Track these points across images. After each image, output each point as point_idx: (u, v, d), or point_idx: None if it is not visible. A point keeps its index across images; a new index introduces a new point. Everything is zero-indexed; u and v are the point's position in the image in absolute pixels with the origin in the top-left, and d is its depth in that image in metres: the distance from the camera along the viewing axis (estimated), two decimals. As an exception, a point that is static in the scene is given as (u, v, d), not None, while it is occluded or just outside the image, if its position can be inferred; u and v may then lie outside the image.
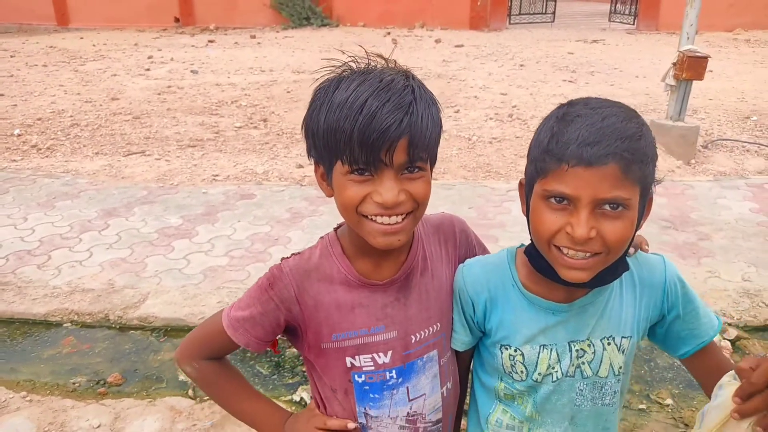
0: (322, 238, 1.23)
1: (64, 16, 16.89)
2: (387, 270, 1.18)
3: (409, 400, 1.21)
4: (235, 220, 4.50)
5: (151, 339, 3.23)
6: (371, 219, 1.05)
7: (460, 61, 10.81)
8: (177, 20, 16.33)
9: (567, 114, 1.01)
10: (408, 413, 1.21)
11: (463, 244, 1.30)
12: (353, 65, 1.07)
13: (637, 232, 1.18)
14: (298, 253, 1.21)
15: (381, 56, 1.10)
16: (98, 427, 2.56)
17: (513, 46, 12.48)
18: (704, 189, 5.06)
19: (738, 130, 6.62)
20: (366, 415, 1.21)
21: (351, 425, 1.20)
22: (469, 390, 1.37)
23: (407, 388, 1.20)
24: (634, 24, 15.23)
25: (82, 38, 14.18)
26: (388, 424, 1.21)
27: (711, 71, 9.09)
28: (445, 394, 1.26)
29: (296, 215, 4.54)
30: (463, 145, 6.13)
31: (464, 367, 1.33)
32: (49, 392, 2.81)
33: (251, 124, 7.05)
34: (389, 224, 1.05)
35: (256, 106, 7.80)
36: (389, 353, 1.18)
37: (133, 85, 9.10)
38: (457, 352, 1.28)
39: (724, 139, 6.25)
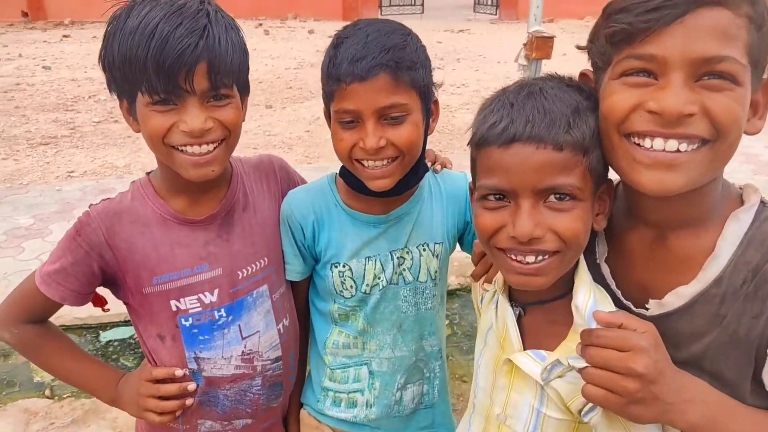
0: (133, 182, 1.19)
1: None
2: (205, 206, 1.16)
3: (243, 338, 1.20)
4: (96, 215, 4.24)
5: (0, 344, 2.97)
6: (181, 150, 1.03)
7: (333, 51, 10.89)
8: (25, 14, 14.97)
9: (338, 38, 1.08)
10: (243, 352, 1.20)
11: (285, 179, 1.32)
12: None
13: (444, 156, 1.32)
14: (108, 198, 1.16)
15: None
16: (-62, 440, 2.34)
17: (384, 36, 12.76)
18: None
19: (586, 106, 7.25)
20: (197, 359, 1.18)
21: (179, 372, 1.17)
22: None
23: (239, 326, 1.19)
24: (496, 14, 16.11)
25: None
26: (223, 365, 1.19)
27: (565, 54, 9.88)
28: (281, 331, 1.26)
29: (163, 206, 4.39)
30: (336, 130, 6.21)
31: (302, 301, 1.35)
32: None
33: (111, 118, 6.65)
34: (200, 154, 1.04)
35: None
36: (216, 291, 1.16)
37: (-26, 83, 8.25)
38: (293, 286, 1.31)
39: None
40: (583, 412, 0.88)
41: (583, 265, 0.94)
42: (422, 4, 17.02)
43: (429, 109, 1.13)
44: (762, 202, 0.88)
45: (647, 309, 0.91)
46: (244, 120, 1.13)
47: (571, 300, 0.91)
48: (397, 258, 1.22)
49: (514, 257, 0.88)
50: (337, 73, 1.03)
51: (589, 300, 0.89)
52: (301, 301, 1.35)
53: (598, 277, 0.97)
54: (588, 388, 0.80)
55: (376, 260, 1.21)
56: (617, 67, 0.84)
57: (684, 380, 0.83)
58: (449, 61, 10.07)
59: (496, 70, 9.17)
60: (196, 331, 1.17)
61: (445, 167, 1.31)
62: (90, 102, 7.28)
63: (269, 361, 1.24)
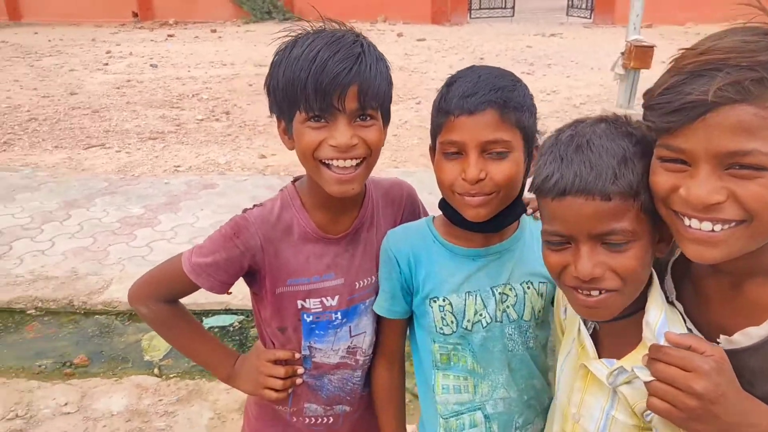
0: (281, 190, 1.31)
1: (15, 11, 16.45)
2: (341, 224, 1.29)
3: (351, 336, 1.34)
4: (198, 208, 4.55)
5: (116, 323, 3.28)
6: (328, 165, 1.15)
7: (421, 55, 10.97)
8: (135, 15, 16.07)
9: (452, 78, 1.16)
10: (349, 346, 1.34)
11: (408, 207, 1.41)
12: (309, 28, 1.18)
13: None
14: (260, 204, 1.29)
15: (335, 21, 1.21)
16: (65, 404, 2.62)
17: (474, 40, 12.70)
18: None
19: (684, 118, 6.93)
20: (310, 347, 1.33)
21: (297, 355, 1.32)
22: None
23: (349, 327, 1.33)
24: (590, 18, 15.62)
25: (36, 33, 13.86)
26: (331, 355, 1.34)
27: (663, 62, 9.46)
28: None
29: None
30: (424, 135, 6.28)
31: (392, 342, 1.37)
32: (14, 375, 2.84)
33: (213, 116, 7.06)
34: (344, 170, 1.15)
35: (217, 99, 7.80)
36: (336, 297, 1.29)
37: (91, 79, 8.98)
38: (387, 324, 1.34)
39: (671, 126, 6.53)
40: (645, 413, 0.95)
41: (656, 285, 1.00)
42: (513, 7, 16.77)
43: (531, 152, 1.18)
44: None
45: (718, 343, 0.95)
46: (383, 145, 1.23)
47: (643, 316, 0.98)
48: (500, 293, 1.23)
49: (580, 293, 0.97)
50: (447, 107, 1.11)
51: (659, 318, 0.96)
52: (391, 346, 1.37)
53: None
54: (652, 399, 0.87)
55: (476, 295, 1.23)
56: (657, 150, 0.90)
57: (751, 405, 0.86)
58: (539, 66, 9.90)
59: (590, 77, 8.93)
60: (314, 326, 1.31)
61: None
62: (194, 100, 7.76)
63: (368, 357, 1.38)
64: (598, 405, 1.04)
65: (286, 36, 1.18)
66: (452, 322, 1.23)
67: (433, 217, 1.31)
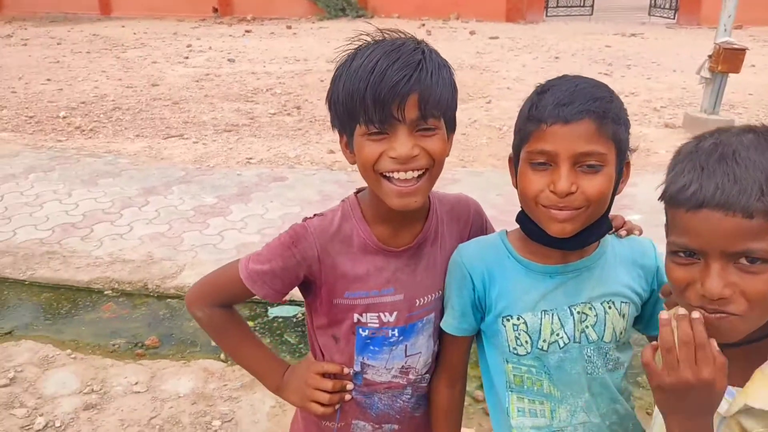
0: (343, 201, 1.28)
1: (106, 5, 17.40)
2: (403, 238, 1.24)
3: (406, 356, 1.28)
4: (268, 200, 4.65)
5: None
6: (388, 178, 1.11)
7: (494, 53, 10.78)
8: (215, 10, 16.64)
9: (544, 87, 1.10)
10: (403, 366, 1.29)
11: (476, 224, 1.35)
12: (368, 38, 1.14)
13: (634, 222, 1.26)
14: (321, 214, 1.27)
15: (396, 30, 1.17)
16: (136, 383, 2.73)
17: (549, 39, 12.37)
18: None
19: (776, 125, 6.49)
20: (363, 364, 1.28)
21: (347, 370, 1.27)
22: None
23: (405, 345, 1.28)
24: (674, 18, 14.90)
25: (123, 27, 14.59)
26: (383, 373, 1.29)
27: (753, 66, 8.92)
28: (436, 350, 1.33)
29: (326, 197, 4.66)
30: (493, 135, 6.17)
31: (458, 361, 1.32)
32: (90, 352, 2.99)
33: (285, 111, 7.21)
34: (405, 182, 1.11)
35: (290, 94, 7.96)
36: (395, 313, 1.25)
37: (172, 72, 9.36)
38: (453, 341, 1.29)
39: (761, 134, 6.13)
40: None
41: None
42: (592, 5, 16.23)
43: (622, 169, 1.12)
44: None
45: None
46: (448, 155, 1.18)
47: None
48: (578, 313, 1.17)
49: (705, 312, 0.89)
50: (540, 115, 1.05)
51: None
52: (454, 363, 1.32)
53: None
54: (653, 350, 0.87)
55: (553, 314, 1.17)
56: None
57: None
58: (618, 66, 9.53)
59: (671, 80, 8.51)
60: (368, 341, 1.27)
61: (633, 233, 1.26)
62: (267, 95, 7.94)
63: (420, 376, 1.32)
64: None
65: (349, 45, 1.14)
66: (527, 342, 1.18)
67: (507, 231, 1.25)
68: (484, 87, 8.09)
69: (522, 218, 1.18)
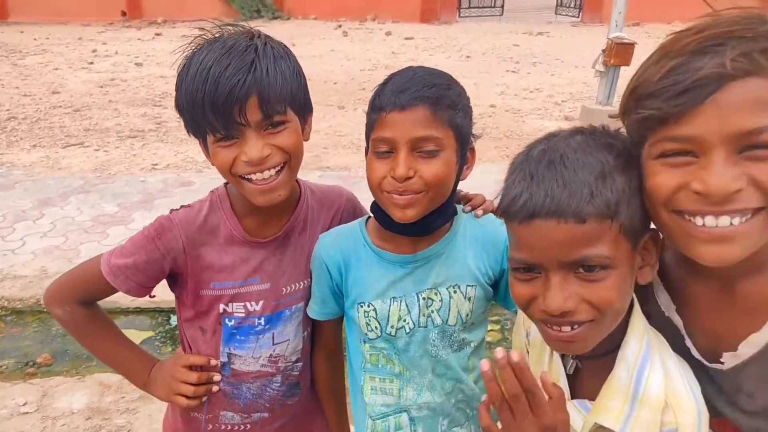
0: (212, 192, 1.27)
1: (2, 9, 16.35)
2: (271, 228, 1.25)
3: (273, 344, 1.29)
4: (173, 206, 4.51)
5: (82, 321, 3.24)
6: (247, 179, 1.11)
7: (408, 53, 10.95)
8: (124, 14, 15.99)
9: (390, 76, 1.13)
10: (271, 354, 1.30)
11: (347, 211, 1.36)
12: (206, 36, 1.12)
13: (492, 201, 1.25)
14: (188, 205, 1.25)
15: (234, 24, 1.17)
16: (24, 404, 2.59)
17: (461, 39, 12.70)
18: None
19: (666, 115, 6.94)
20: (230, 354, 1.28)
21: (213, 361, 1.27)
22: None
23: (273, 334, 1.29)
24: (579, 17, 15.65)
25: (22, 32, 13.76)
26: (251, 363, 1.29)
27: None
28: (305, 338, 1.35)
29: (235, 201, 4.61)
30: (405, 132, 6.28)
31: (329, 340, 1.36)
32: (-26, 375, 2.81)
33: (195, 114, 7.03)
34: (265, 181, 1.11)
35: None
36: (261, 302, 1.26)
37: (75, 78, 8.92)
38: (321, 324, 1.33)
39: (652, 123, 6.54)
40: None
41: (636, 312, 0.92)
42: (502, 6, 16.78)
43: (465, 155, 1.15)
44: None
45: (722, 363, 0.90)
46: (307, 139, 1.19)
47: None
48: (424, 299, 1.21)
49: (550, 327, 0.87)
50: (380, 104, 1.09)
51: (640, 351, 0.89)
52: (327, 340, 1.36)
53: (669, 331, 0.95)
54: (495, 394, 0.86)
55: (401, 301, 1.21)
56: (654, 148, 0.82)
57: None
58: (525, 64, 9.92)
59: (573, 75, 8.95)
60: (235, 331, 1.27)
61: (490, 211, 1.26)
62: (169, 99, 7.72)
63: (290, 363, 1.34)
64: None
65: (187, 47, 1.12)
66: (376, 327, 1.22)
67: (367, 218, 1.28)
68: (398, 86, 8.21)
69: (374, 208, 1.20)
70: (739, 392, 0.87)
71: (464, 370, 1.27)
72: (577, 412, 0.93)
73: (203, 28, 1.16)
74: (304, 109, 1.18)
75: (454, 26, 15.05)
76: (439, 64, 9.77)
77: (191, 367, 1.27)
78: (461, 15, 16.40)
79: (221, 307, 1.25)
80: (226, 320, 1.26)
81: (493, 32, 13.72)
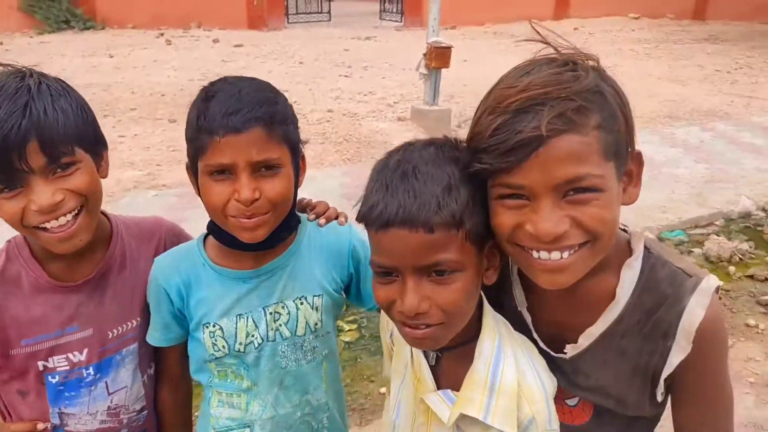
0: (8, 241, 1.19)
1: None
2: (82, 270, 1.18)
3: (109, 394, 1.23)
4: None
5: None
6: (42, 228, 1.05)
7: (239, 61, 10.77)
8: None
9: (209, 92, 1.10)
10: (109, 407, 1.24)
11: (172, 244, 1.32)
12: None
13: (336, 207, 1.33)
14: None
15: (3, 63, 1.09)
16: None
17: (292, 45, 12.75)
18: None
19: (486, 110, 7.60)
20: (61, 414, 1.20)
21: (40, 426, 1.18)
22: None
23: (106, 382, 1.23)
24: (401, 21, 16.49)
25: None
26: (87, 421, 1.22)
27: (466, 60, 10.30)
28: (146, 381, 1.30)
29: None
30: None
31: (172, 365, 1.33)
32: None
33: None
34: (61, 228, 1.05)
35: None
36: (85, 351, 1.19)
37: None
38: (163, 349, 1.30)
39: (474, 119, 7.14)
40: None
41: (487, 312, 1.05)
42: (329, 12, 17.14)
43: (298, 164, 1.18)
44: (646, 247, 1.04)
45: (565, 353, 1.07)
46: (104, 176, 1.15)
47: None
48: (271, 313, 1.22)
49: (407, 327, 0.96)
50: (211, 126, 1.05)
51: (494, 346, 1.02)
52: (172, 368, 1.32)
53: (519, 324, 1.10)
54: None
55: (248, 317, 1.21)
56: (494, 190, 0.93)
57: None
58: (356, 69, 10.24)
59: (402, 77, 9.43)
60: (62, 388, 1.19)
61: (338, 220, 1.30)
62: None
63: (134, 413, 1.28)
64: None
65: None
66: (224, 346, 1.21)
67: (204, 236, 1.25)
68: (232, 96, 8.05)
69: (212, 227, 1.19)
70: (577, 373, 1.05)
71: (317, 381, 1.30)
72: (441, 402, 1.03)
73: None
74: (96, 145, 1.13)
75: (283, 32, 15.07)
76: (273, 71, 9.78)
77: None
78: (290, 21, 16.46)
79: (40, 364, 1.16)
80: (49, 378, 1.17)
81: (322, 38, 13.97)
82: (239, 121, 1.04)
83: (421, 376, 1.06)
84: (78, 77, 7.74)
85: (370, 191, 0.95)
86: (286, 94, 1.19)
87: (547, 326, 1.09)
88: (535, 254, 0.93)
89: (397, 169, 0.94)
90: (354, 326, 3.28)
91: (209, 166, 1.08)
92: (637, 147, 0.98)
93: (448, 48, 6.31)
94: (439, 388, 1.05)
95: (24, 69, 1.08)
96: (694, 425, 1.04)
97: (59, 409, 1.20)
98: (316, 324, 1.26)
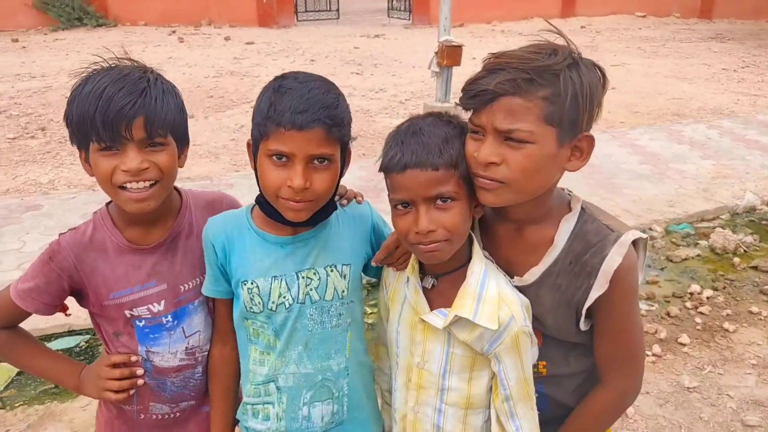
0: (95, 213, 1.41)
1: None
2: (155, 235, 1.40)
3: (186, 337, 1.45)
4: (23, 232, 4.24)
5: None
6: (124, 188, 1.26)
7: (251, 58, 10.94)
8: None
9: (281, 87, 1.24)
10: (186, 347, 1.45)
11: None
12: (102, 65, 1.29)
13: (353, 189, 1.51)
14: (75, 228, 1.38)
15: (129, 58, 1.33)
16: None
17: (303, 43, 12.91)
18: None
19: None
20: (148, 352, 1.43)
21: (134, 358, 1.42)
22: None
23: (182, 328, 1.44)
24: (409, 19, 16.61)
25: None
26: (169, 358, 1.44)
27: (474, 58, 10.43)
28: None
29: (94, 220, 4.41)
30: (261, 138, 6.34)
31: (222, 320, 1.46)
32: None
33: (27, 134, 6.50)
34: (138, 191, 1.26)
35: (30, 115, 7.17)
36: (162, 302, 1.40)
37: None
38: (217, 305, 1.44)
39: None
40: (484, 349, 1.24)
41: (476, 243, 1.31)
42: (338, 9, 17.27)
43: (345, 160, 1.34)
44: (582, 208, 1.30)
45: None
46: (182, 166, 1.36)
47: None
48: (303, 278, 1.35)
49: (421, 246, 1.22)
50: (279, 119, 1.20)
51: (482, 268, 1.27)
52: (220, 319, 1.46)
53: None
54: None
55: (282, 280, 1.34)
56: (469, 126, 1.22)
57: None
58: (367, 66, 10.39)
59: (412, 75, 9.57)
60: (147, 331, 1.41)
61: (356, 199, 1.47)
62: (1, 117, 7.05)
63: (207, 353, 1.50)
64: (438, 348, 1.29)
65: (87, 69, 1.28)
66: (259, 303, 1.34)
67: (254, 205, 1.40)
68: (247, 92, 8.23)
69: (260, 200, 1.35)
70: (531, 304, 1.29)
71: (340, 346, 1.42)
72: (436, 317, 1.28)
73: (101, 56, 1.32)
74: (182, 139, 1.35)
75: (292, 30, 15.22)
76: (285, 68, 9.82)
77: (115, 366, 1.40)
78: (299, 19, 16.61)
79: (127, 312, 1.38)
80: (137, 322, 1.39)
81: (331, 35, 14.10)
82: (305, 120, 1.19)
83: (417, 305, 1.31)
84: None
85: (389, 147, 1.23)
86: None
87: (499, 263, 1.33)
88: (481, 177, 1.21)
89: (408, 130, 1.23)
90: (376, 309, 3.46)
91: (270, 150, 1.23)
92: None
93: (459, 47, 6.44)
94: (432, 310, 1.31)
95: (147, 67, 1.32)
96: (609, 351, 1.30)
97: (146, 347, 1.42)
98: (343, 291, 1.39)
